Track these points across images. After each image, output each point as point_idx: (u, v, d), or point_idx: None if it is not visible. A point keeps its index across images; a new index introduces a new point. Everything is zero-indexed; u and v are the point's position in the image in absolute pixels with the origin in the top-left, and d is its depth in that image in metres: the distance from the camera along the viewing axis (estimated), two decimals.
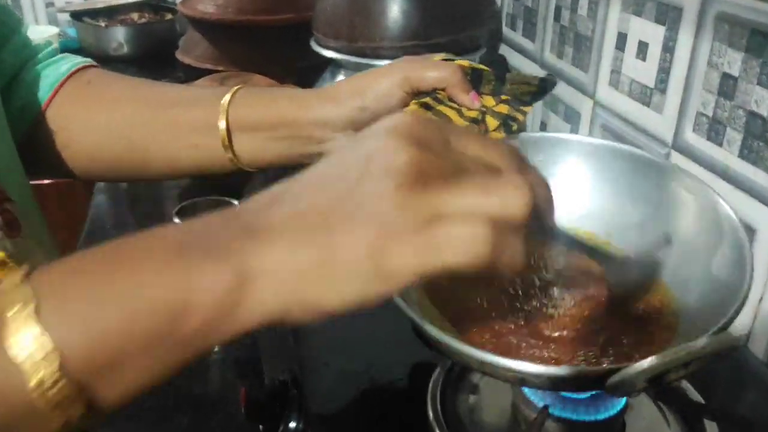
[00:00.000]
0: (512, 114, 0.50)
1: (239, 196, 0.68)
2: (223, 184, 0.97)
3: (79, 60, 0.61)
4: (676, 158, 0.73)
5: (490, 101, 0.51)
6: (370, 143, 0.32)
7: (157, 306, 0.30)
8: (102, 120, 0.58)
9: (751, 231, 0.63)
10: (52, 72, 0.59)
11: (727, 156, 0.65)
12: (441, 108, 0.50)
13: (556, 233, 0.37)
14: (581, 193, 0.52)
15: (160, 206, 0.85)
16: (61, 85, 0.58)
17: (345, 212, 0.31)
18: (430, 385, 0.53)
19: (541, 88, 0.51)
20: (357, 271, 0.30)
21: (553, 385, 0.40)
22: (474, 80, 0.51)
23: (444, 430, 0.49)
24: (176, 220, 0.75)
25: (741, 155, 0.64)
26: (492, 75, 0.51)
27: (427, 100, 0.50)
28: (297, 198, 0.32)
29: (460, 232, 0.30)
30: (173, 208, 0.76)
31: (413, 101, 0.50)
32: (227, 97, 0.55)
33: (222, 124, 0.55)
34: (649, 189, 0.50)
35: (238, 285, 0.30)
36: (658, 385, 0.36)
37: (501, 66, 0.52)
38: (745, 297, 0.39)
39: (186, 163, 0.59)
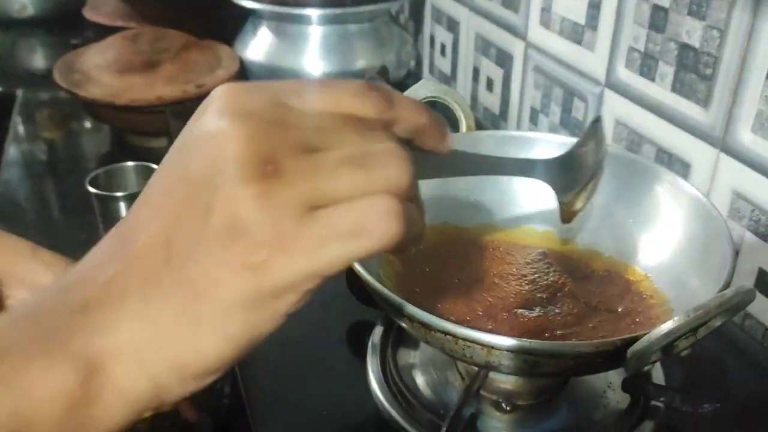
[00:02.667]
0: None
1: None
2: (146, 149, 0.92)
3: None
4: (609, 96, 0.71)
5: None
6: (190, 140, 0.25)
7: None
8: None
9: (685, 166, 0.63)
10: None
11: (660, 91, 0.64)
12: None
13: (456, 159, 0.31)
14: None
15: (79, 176, 0.77)
16: None
17: (192, 240, 0.24)
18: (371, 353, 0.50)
19: None
20: (235, 306, 0.24)
21: (560, 366, 0.38)
22: None
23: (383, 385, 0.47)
24: (90, 188, 0.70)
25: (674, 89, 0.63)
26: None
27: None
28: (128, 241, 0.25)
29: (353, 216, 0.24)
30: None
31: None
32: None
33: None
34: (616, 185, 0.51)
35: (84, 379, 0.24)
36: (668, 355, 0.35)
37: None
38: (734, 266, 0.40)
39: None
